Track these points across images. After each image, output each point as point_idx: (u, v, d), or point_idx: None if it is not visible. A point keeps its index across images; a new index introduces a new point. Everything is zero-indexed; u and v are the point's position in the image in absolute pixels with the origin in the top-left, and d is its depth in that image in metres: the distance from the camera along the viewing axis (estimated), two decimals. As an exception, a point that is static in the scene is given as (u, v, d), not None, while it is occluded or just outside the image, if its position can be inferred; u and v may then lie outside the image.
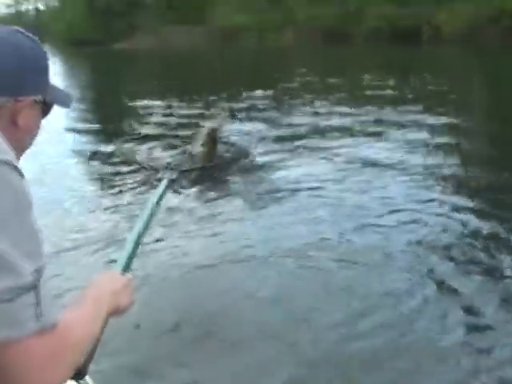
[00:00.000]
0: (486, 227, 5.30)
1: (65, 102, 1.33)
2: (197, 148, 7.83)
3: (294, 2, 46.27)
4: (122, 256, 1.60)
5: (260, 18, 45.98)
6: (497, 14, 33.66)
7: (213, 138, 7.71)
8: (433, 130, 9.94)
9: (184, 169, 7.30)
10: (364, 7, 41.31)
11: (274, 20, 44.93)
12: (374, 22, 39.78)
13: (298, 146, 9.08)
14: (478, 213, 5.66)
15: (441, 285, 4.19)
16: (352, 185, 6.79)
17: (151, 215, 1.86)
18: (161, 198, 2.07)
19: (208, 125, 7.83)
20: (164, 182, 2.39)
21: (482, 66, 22.40)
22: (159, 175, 6.73)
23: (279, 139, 9.56)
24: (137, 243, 1.67)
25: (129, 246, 1.64)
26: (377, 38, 37.83)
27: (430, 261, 4.59)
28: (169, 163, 7.75)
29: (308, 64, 25.82)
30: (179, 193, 6.52)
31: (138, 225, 1.77)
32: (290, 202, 6.20)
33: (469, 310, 3.84)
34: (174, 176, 5.07)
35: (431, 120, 10.79)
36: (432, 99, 13.66)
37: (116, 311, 1.33)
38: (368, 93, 15.21)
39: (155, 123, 11.73)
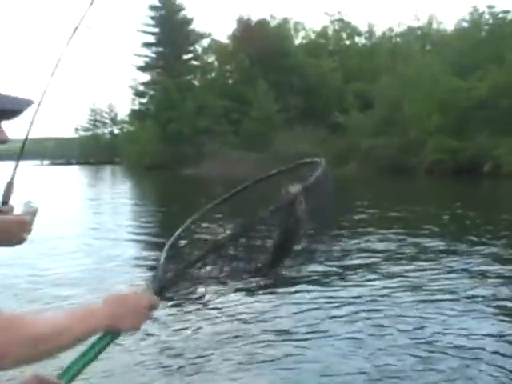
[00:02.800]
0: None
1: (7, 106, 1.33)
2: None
3: (357, 133, 47.52)
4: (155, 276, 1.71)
5: (323, 148, 47.33)
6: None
7: None
8: (492, 260, 10.49)
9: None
10: (426, 139, 42.08)
11: (336, 150, 46.08)
12: (436, 154, 40.34)
13: (357, 272, 9.54)
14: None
15: None
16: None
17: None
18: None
19: None
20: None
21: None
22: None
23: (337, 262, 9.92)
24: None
25: None
26: (438, 170, 38.30)
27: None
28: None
29: (369, 196, 26.25)
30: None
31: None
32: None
33: None
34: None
35: (490, 250, 11.40)
36: (489, 233, 13.90)
37: (116, 329, 1.44)
38: (427, 226, 15.44)
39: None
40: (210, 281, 1.82)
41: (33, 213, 2.36)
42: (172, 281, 1.72)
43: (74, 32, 2.62)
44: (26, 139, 2.76)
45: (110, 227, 16.65)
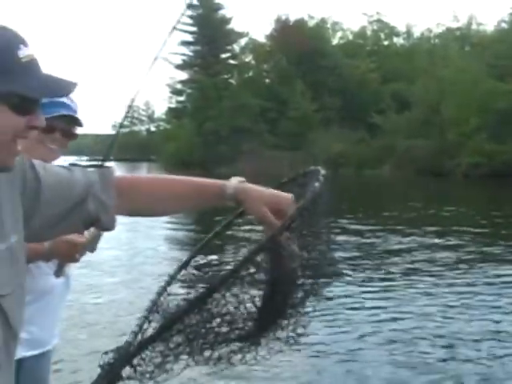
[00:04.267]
0: None
1: (41, 91, 1.21)
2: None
3: (394, 134, 47.36)
4: None
5: (359, 148, 47.32)
6: None
7: None
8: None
9: None
10: (463, 142, 41.77)
11: (372, 151, 46.02)
12: (473, 157, 40.04)
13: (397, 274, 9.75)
14: None
15: None
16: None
17: None
18: None
19: None
20: None
21: None
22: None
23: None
24: None
25: None
26: (475, 173, 38.03)
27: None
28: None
29: (404, 197, 26.25)
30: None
31: None
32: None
33: None
34: None
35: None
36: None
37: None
38: (467, 229, 15.48)
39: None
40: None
41: (92, 236, 2.41)
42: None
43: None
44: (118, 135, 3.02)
45: (147, 223, 16.94)
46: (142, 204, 1.53)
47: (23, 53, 1.15)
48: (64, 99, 2.48)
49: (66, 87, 1.23)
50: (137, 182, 1.55)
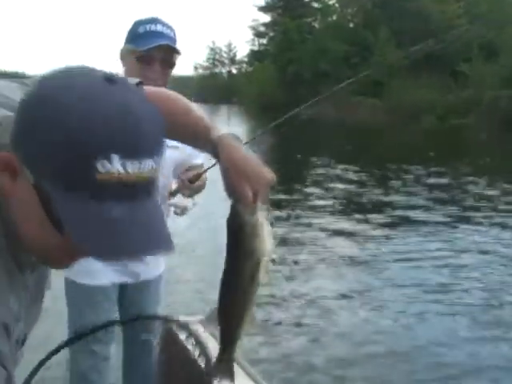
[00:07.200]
0: None
1: (107, 250, 0.84)
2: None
3: (481, 84, 46.51)
4: None
5: (444, 97, 46.77)
6: None
7: None
8: None
9: None
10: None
11: (457, 100, 45.44)
12: None
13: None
14: None
15: None
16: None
17: None
18: None
19: None
20: None
21: None
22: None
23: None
24: None
25: None
26: None
27: None
28: None
29: (488, 152, 25.83)
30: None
31: None
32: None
33: None
34: None
35: None
36: None
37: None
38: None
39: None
40: None
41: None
42: None
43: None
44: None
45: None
46: None
47: (106, 167, 0.80)
48: (161, 28, 2.51)
49: (152, 247, 0.88)
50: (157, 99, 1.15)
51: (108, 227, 0.82)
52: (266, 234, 1.12)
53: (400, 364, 5.07)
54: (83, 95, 0.82)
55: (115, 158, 0.80)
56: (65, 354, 2.47)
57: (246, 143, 1.53)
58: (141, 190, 0.85)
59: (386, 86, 53.86)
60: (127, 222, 0.83)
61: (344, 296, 6.79)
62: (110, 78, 0.86)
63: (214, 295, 1.23)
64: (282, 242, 8.76)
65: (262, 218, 1.12)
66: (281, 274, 7.10)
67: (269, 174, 1.18)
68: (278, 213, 10.84)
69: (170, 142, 1.91)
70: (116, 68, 2.54)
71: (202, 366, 1.58)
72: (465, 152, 25.75)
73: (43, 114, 0.82)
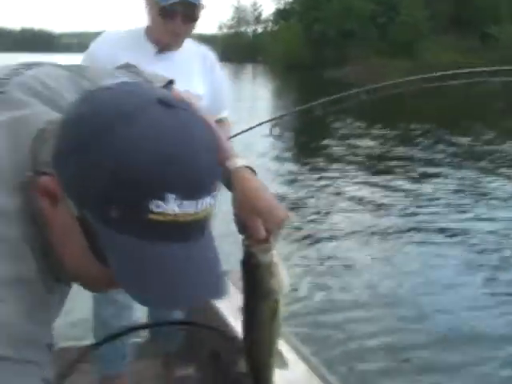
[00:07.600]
0: None
1: (157, 300, 0.80)
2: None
3: (510, 46, 45.83)
4: None
5: (472, 59, 46.16)
6: None
7: None
8: None
9: None
10: None
11: (486, 62, 44.81)
12: None
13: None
14: None
15: None
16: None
17: None
18: None
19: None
20: None
21: None
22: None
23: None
24: None
25: None
26: None
27: None
28: None
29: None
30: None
31: None
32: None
33: None
34: None
35: None
36: None
37: None
38: None
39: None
40: None
41: None
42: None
43: None
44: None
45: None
46: None
47: (161, 207, 0.73)
48: None
49: (205, 293, 0.82)
50: None
51: (159, 272, 0.76)
52: (282, 272, 1.09)
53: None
54: (143, 130, 0.73)
55: (171, 198, 0.73)
56: (89, 302, 2.73)
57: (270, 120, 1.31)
58: (196, 229, 0.78)
59: (413, 45, 53.24)
60: (179, 267, 0.77)
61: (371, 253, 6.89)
62: (166, 102, 0.77)
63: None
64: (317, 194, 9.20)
65: (276, 256, 1.09)
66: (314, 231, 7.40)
67: (283, 213, 1.12)
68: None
69: (193, 91, 1.90)
70: (142, 18, 2.57)
71: None
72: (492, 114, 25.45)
73: (95, 142, 0.73)
